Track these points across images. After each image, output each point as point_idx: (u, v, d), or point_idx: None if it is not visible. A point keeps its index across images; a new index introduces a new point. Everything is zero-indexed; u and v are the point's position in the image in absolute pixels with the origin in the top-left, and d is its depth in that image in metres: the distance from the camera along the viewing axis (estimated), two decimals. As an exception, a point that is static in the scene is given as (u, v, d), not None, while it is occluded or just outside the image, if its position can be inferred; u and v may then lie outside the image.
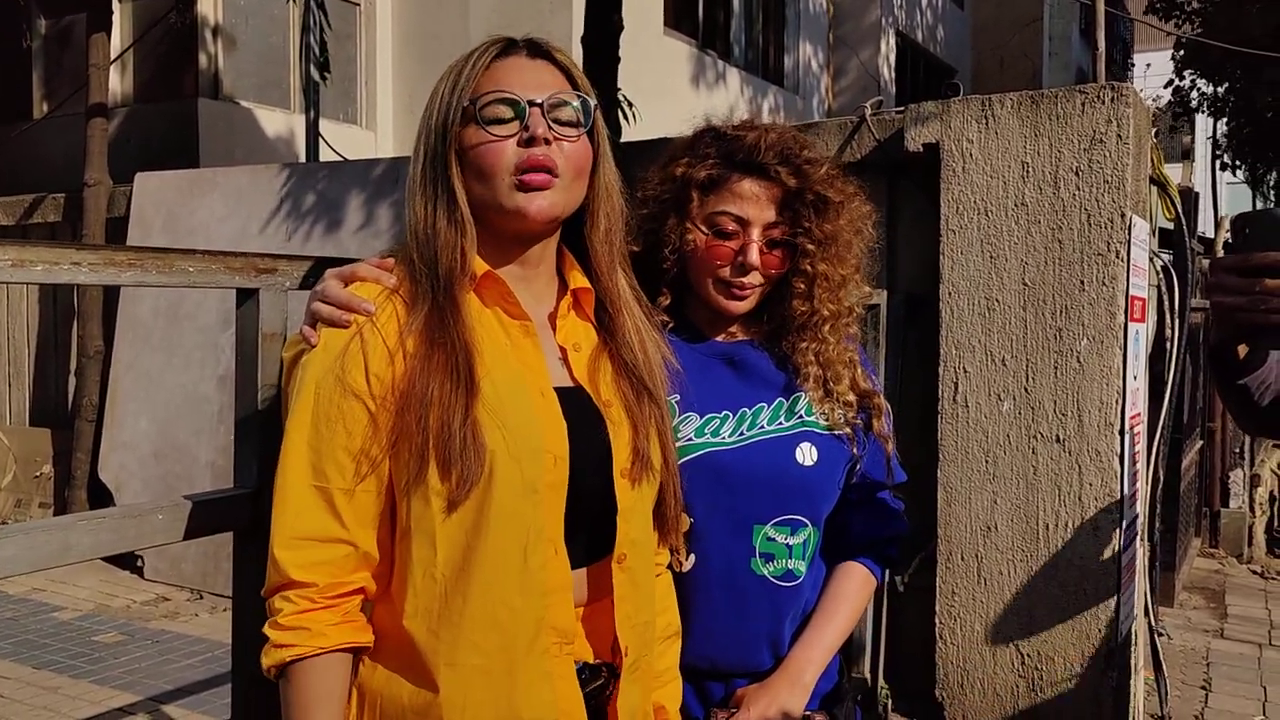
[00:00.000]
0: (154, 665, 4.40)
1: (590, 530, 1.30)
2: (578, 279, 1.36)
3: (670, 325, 1.57)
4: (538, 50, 1.32)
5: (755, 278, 1.52)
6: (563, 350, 1.34)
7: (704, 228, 1.52)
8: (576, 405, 1.30)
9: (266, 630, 1.19)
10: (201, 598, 5.37)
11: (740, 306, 1.55)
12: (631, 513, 1.31)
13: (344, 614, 1.20)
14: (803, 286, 1.54)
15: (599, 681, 1.31)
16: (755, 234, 1.51)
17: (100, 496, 5.91)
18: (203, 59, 8.75)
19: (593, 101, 1.32)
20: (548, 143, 1.25)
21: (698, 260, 1.54)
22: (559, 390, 1.29)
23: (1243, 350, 1.55)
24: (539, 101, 1.26)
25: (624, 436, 1.32)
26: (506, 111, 1.25)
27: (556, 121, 1.27)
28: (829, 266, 1.54)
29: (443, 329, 1.21)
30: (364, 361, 1.20)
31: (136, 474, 5.78)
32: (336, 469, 1.19)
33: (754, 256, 1.51)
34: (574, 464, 1.25)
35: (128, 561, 5.75)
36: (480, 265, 1.27)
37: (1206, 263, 6.14)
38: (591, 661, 1.31)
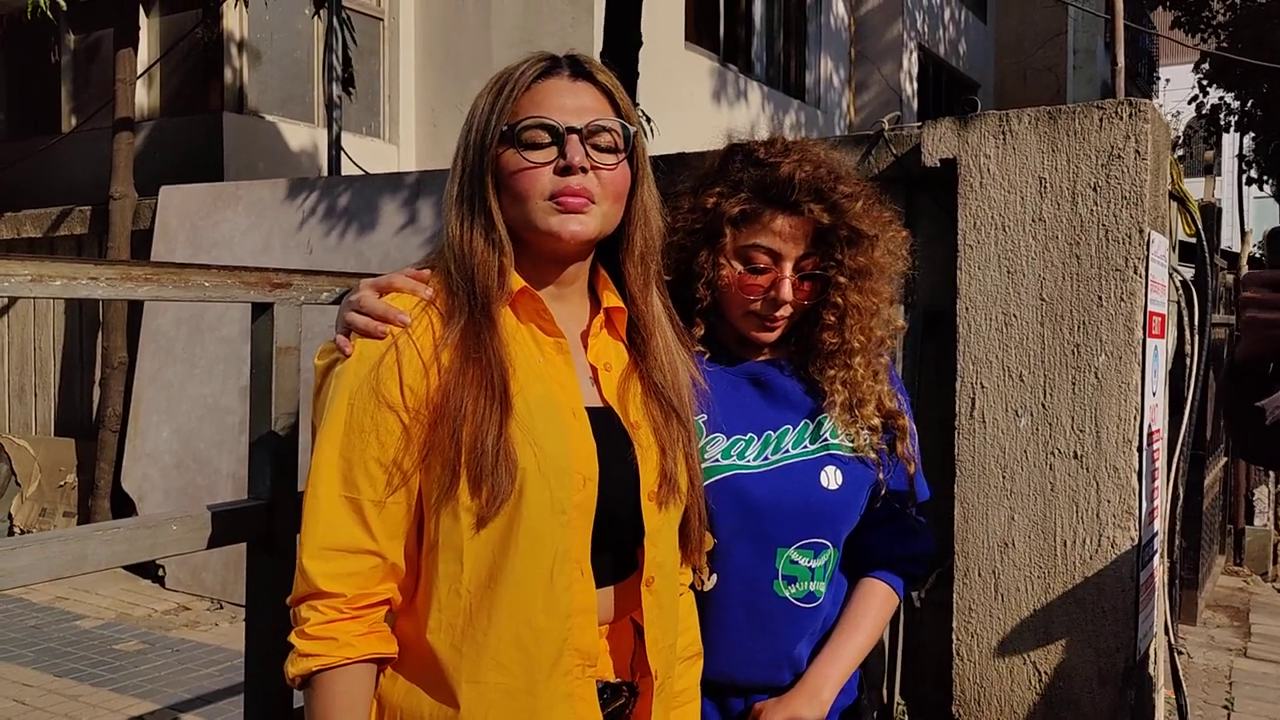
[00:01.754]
0: (174, 674, 4.43)
1: (616, 550, 1.30)
2: (611, 298, 1.36)
3: (706, 355, 1.57)
4: (580, 71, 1.30)
5: (786, 310, 1.53)
6: (593, 369, 1.34)
7: (736, 262, 1.52)
8: (606, 426, 1.30)
9: (293, 639, 1.20)
10: (221, 607, 5.40)
11: (770, 337, 1.56)
12: (658, 535, 1.31)
13: (370, 625, 1.21)
14: (833, 319, 1.54)
15: (619, 701, 1.31)
16: (787, 269, 1.51)
17: (123, 506, 5.96)
18: (228, 73, 8.84)
19: (633, 127, 1.30)
20: (585, 170, 1.24)
21: (730, 294, 1.54)
22: (589, 410, 1.29)
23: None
24: (578, 128, 1.25)
25: (652, 460, 1.31)
26: (544, 137, 1.25)
27: (595, 148, 1.26)
28: (861, 297, 1.54)
29: (478, 344, 1.21)
30: (399, 373, 1.20)
31: (159, 484, 5.82)
32: (368, 480, 1.20)
33: (786, 292, 1.51)
34: (602, 486, 1.25)
35: (149, 571, 5.80)
36: (517, 281, 1.27)
37: (1231, 278, 6.11)
38: (612, 680, 1.31)
